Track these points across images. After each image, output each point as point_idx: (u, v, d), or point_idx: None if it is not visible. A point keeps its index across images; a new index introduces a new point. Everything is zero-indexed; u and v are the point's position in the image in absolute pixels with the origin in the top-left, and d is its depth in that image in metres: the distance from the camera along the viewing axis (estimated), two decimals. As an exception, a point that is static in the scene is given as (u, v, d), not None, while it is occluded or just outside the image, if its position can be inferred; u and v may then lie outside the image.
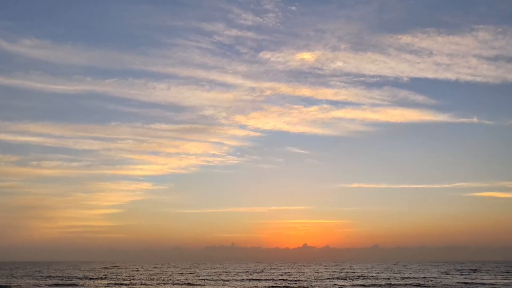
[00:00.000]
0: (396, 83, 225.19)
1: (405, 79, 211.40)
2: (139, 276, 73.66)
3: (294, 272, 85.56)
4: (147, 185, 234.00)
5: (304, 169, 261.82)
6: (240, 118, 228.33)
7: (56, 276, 73.69)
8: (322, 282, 58.49)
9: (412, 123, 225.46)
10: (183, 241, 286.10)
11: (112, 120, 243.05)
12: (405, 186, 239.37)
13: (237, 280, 61.69)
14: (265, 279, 63.52)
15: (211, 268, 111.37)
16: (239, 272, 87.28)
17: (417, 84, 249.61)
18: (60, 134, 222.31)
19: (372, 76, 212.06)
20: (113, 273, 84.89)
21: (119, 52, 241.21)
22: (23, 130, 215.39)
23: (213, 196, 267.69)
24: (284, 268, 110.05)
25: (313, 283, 55.94)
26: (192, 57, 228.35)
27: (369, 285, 53.06)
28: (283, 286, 52.05)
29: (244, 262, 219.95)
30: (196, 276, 73.52)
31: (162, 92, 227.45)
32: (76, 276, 72.71)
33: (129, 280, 62.06)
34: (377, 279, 64.20)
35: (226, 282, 58.21)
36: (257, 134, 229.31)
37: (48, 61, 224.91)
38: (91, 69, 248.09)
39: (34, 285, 55.26)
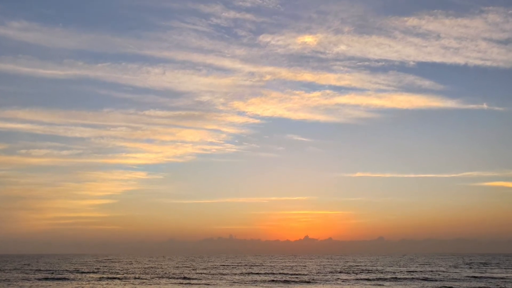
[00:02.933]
0: (402, 67, 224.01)
1: (412, 63, 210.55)
2: (133, 269, 73.88)
3: (295, 266, 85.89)
4: (141, 175, 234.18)
5: (305, 158, 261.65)
6: (238, 104, 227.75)
7: (46, 270, 73.90)
8: (324, 275, 58.67)
9: (418, 110, 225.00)
10: (179, 233, 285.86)
11: (104, 106, 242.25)
12: (411, 175, 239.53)
13: (235, 274, 61.88)
14: (264, 273, 63.71)
15: (208, 261, 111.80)
16: (237, 265, 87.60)
17: (424, 69, 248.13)
18: (50, 121, 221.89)
19: (377, 60, 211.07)
20: (105, 266, 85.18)
21: (112, 35, 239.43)
22: (11, 116, 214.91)
23: (211, 186, 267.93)
24: (285, 261, 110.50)
25: (315, 277, 56.11)
26: (188, 41, 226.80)
27: (373, 279, 53.21)
28: (284, 280, 52.19)
29: (243, 255, 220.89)
30: (193, 269, 73.75)
31: (156, 77, 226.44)
32: (66, 270, 72.92)
33: (123, 274, 62.23)
34: (382, 272, 64.42)
35: (224, 276, 58.38)
36: (257, 121, 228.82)
37: (38, 45, 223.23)
38: (82, 53, 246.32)
39: (23, 279, 55.40)
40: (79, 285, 47.67)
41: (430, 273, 63.58)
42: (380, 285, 47.47)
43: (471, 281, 51.32)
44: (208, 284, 48.29)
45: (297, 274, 60.95)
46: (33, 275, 61.76)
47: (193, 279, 54.58)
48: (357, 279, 53.30)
